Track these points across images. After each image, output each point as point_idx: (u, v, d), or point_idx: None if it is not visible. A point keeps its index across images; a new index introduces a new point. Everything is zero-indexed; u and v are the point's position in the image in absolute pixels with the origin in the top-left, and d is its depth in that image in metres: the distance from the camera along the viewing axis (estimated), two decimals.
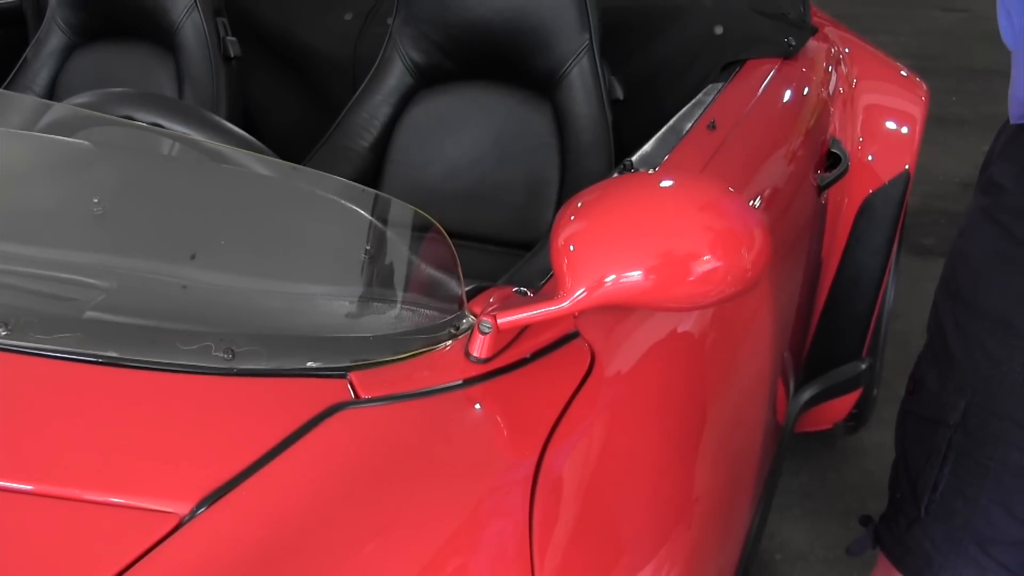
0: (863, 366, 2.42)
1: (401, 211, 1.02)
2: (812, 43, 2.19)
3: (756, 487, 1.71)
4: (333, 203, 1.06)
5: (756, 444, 1.60)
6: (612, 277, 0.91)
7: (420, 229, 0.99)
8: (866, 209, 2.32)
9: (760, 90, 1.82)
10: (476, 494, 0.81)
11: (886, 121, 2.43)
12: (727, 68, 1.94)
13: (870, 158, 2.33)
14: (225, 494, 0.75)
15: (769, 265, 0.96)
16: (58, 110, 1.19)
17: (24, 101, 1.26)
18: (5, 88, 2.37)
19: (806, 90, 1.99)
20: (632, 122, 1.96)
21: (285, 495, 0.76)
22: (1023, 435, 1.24)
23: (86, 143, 1.12)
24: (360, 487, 0.78)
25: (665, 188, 0.98)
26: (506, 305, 0.93)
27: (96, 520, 0.72)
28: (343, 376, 0.87)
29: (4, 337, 0.86)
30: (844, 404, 2.48)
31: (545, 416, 0.89)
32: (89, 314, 0.93)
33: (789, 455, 2.82)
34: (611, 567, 0.93)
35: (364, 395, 0.85)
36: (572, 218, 0.95)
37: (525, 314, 0.90)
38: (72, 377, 0.85)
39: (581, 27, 1.92)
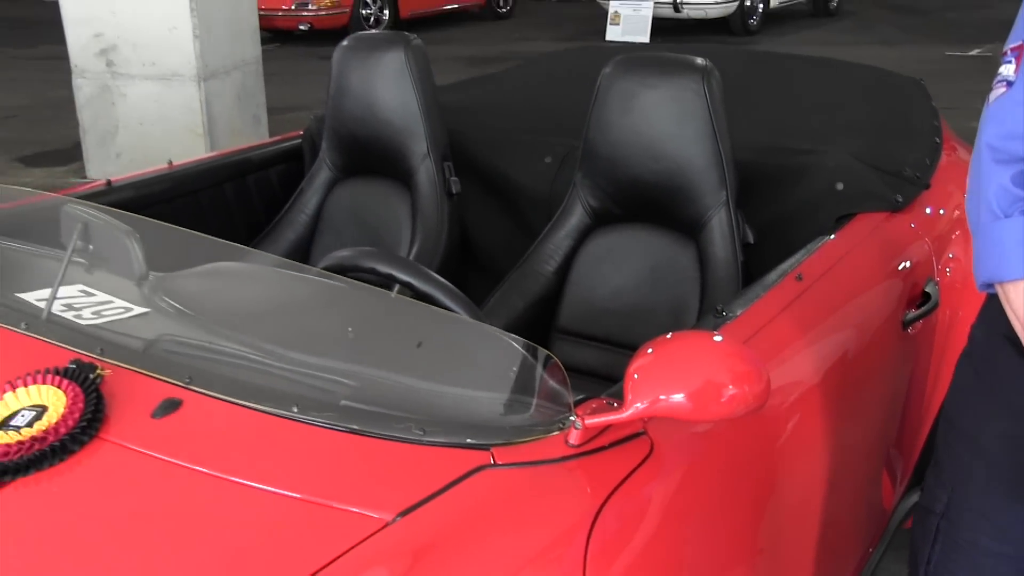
0: None
1: (536, 349, 1.56)
2: (926, 194, 2.61)
3: (842, 562, 2.13)
4: (500, 340, 1.61)
5: (839, 521, 2.02)
6: (663, 397, 1.43)
7: (547, 359, 1.54)
8: None
9: (857, 243, 2.27)
10: (546, 535, 1.33)
11: None
12: (840, 220, 2.39)
13: None
14: (411, 512, 1.31)
15: (768, 394, 1.45)
16: (325, 263, 1.85)
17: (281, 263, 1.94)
18: (287, 209, 3.10)
19: (904, 243, 2.42)
20: (761, 263, 2.43)
21: (444, 517, 1.32)
22: (988, 524, 1.66)
23: (344, 286, 1.75)
24: (485, 523, 1.32)
25: (710, 342, 1.49)
26: (595, 411, 1.46)
27: (329, 517, 1.30)
28: (487, 449, 1.40)
29: (296, 412, 1.46)
30: None
31: (606, 485, 1.41)
32: (343, 402, 1.53)
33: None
34: None
35: (500, 461, 1.40)
36: (650, 351, 1.48)
37: (601, 419, 1.42)
38: (330, 440, 1.44)
39: (720, 185, 2.42)
